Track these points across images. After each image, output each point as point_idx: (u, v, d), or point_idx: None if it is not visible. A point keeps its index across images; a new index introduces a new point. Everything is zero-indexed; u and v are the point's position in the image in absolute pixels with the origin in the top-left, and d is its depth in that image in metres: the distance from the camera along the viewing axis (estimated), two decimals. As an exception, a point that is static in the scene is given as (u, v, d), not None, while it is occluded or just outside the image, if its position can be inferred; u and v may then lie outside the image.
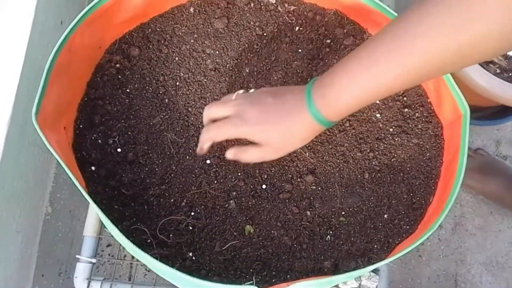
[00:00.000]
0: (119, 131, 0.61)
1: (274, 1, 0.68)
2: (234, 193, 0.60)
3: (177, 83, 0.64)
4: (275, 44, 0.67)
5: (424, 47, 0.40)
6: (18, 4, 0.64)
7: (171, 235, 0.57)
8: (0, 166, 0.61)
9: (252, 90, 0.55)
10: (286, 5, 0.68)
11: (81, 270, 0.62)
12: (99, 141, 0.60)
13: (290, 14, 0.68)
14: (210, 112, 0.54)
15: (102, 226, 0.65)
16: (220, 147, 0.61)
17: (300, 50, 0.67)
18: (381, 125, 0.65)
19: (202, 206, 0.59)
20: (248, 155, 0.53)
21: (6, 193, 0.64)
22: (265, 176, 0.61)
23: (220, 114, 0.53)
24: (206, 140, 0.54)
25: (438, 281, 1.10)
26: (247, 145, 0.53)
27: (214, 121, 0.54)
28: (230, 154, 0.54)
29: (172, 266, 0.48)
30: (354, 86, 0.45)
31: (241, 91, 0.55)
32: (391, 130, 0.65)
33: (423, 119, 0.65)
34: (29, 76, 0.65)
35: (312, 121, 0.48)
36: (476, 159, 1.11)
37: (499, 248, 1.13)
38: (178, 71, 0.65)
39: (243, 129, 0.51)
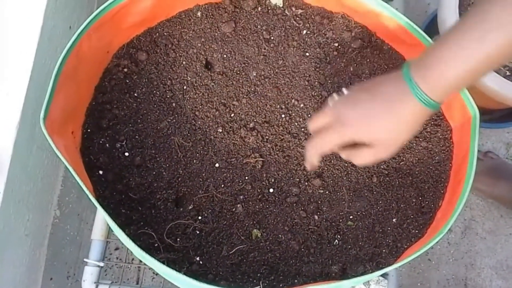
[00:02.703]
0: (126, 135, 0.61)
1: (281, 5, 0.68)
2: (241, 197, 0.60)
3: (185, 87, 0.64)
4: (282, 48, 0.67)
5: None
6: (27, 9, 0.64)
7: (178, 239, 0.57)
8: (9, 170, 0.61)
9: (344, 91, 0.53)
10: (293, 8, 0.68)
11: (89, 273, 0.62)
12: (107, 145, 0.60)
13: (297, 18, 0.68)
14: (312, 123, 0.53)
15: (110, 229, 0.66)
16: (226, 151, 0.61)
17: (307, 54, 0.67)
18: (389, 128, 0.64)
19: (209, 210, 0.59)
20: (361, 159, 0.51)
21: (15, 197, 0.65)
22: (272, 180, 0.61)
23: (320, 123, 0.52)
24: (314, 155, 0.52)
25: (448, 285, 1.09)
26: (360, 147, 0.50)
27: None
28: (344, 154, 0.53)
29: (179, 271, 0.48)
30: (459, 59, 0.43)
31: (335, 95, 0.54)
32: (399, 133, 0.64)
33: (432, 122, 0.65)
34: (38, 81, 0.65)
35: (418, 104, 0.46)
36: (486, 162, 1.09)
37: (509, 251, 1.11)
38: (185, 75, 0.65)
39: (346, 133, 0.49)
